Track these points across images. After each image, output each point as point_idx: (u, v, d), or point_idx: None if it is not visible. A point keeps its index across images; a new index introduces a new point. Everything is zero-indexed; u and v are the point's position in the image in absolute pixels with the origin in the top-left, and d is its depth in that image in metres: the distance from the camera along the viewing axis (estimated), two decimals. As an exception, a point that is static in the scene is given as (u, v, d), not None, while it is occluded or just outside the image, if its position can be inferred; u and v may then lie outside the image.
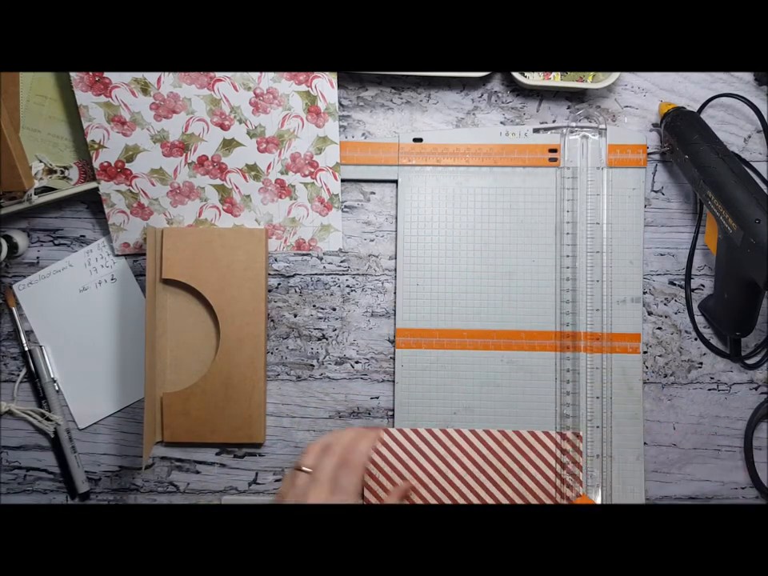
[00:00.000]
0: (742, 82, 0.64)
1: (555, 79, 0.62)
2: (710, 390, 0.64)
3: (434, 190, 0.63)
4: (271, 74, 0.59)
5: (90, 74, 0.58)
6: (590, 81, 0.62)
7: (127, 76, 0.58)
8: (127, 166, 0.60)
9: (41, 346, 0.63)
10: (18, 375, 0.63)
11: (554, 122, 0.64)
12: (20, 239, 0.62)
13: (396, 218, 0.63)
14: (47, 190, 0.60)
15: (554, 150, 0.62)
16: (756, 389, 0.64)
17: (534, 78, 0.61)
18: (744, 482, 0.64)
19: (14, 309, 0.63)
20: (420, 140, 0.63)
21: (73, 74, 0.58)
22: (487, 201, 0.63)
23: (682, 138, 0.58)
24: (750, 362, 0.64)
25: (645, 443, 0.63)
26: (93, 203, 0.63)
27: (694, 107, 0.63)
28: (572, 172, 0.62)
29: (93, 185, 0.60)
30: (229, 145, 0.60)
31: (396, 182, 0.63)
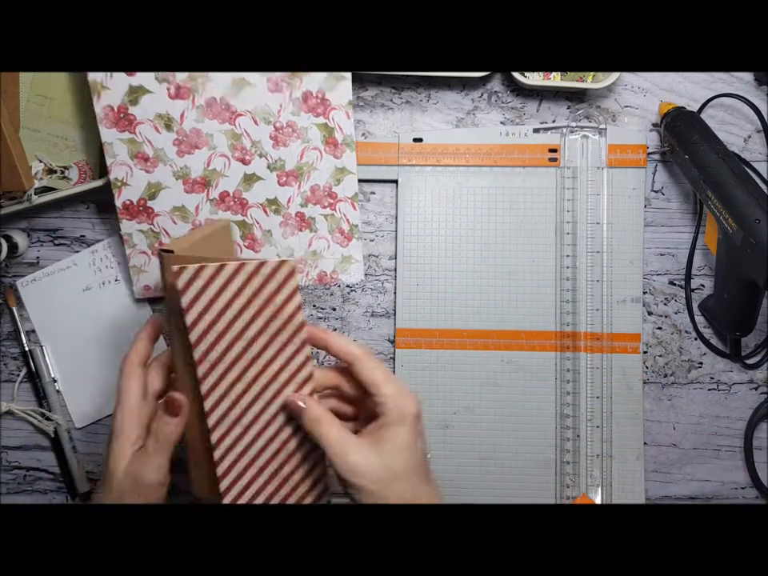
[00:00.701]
0: (741, 81, 0.64)
1: (555, 79, 0.62)
2: (710, 389, 0.64)
3: (434, 190, 0.63)
4: (290, 107, 0.58)
5: (115, 109, 0.57)
6: (590, 81, 0.62)
7: (151, 111, 0.57)
8: (149, 204, 0.59)
9: (41, 346, 0.63)
10: (18, 375, 0.63)
11: (553, 122, 0.64)
12: (20, 239, 0.62)
13: (396, 218, 0.63)
14: (47, 189, 0.60)
15: (554, 150, 0.62)
16: (756, 389, 0.64)
17: (534, 78, 0.61)
18: (744, 482, 0.64)
19: (14, 308, 0.63)
20: (420, 140, 0.63)
21: (98, 110, 0.57)
22: (487, 201, 0.63)
23: (682, 138, 0.58)
24: (749, 361, 0.64)
25: (645, 443, 0.63)
26: (93, 203, 0.63)
27: (694, 107, 0.63)
28: (572, 172, 0.62)
29: (93, 185, 0.60)
30: (250, 179, 0.60)
31: (396, 181, 0.63)
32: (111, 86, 0.56)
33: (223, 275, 0.43)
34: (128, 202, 0.59)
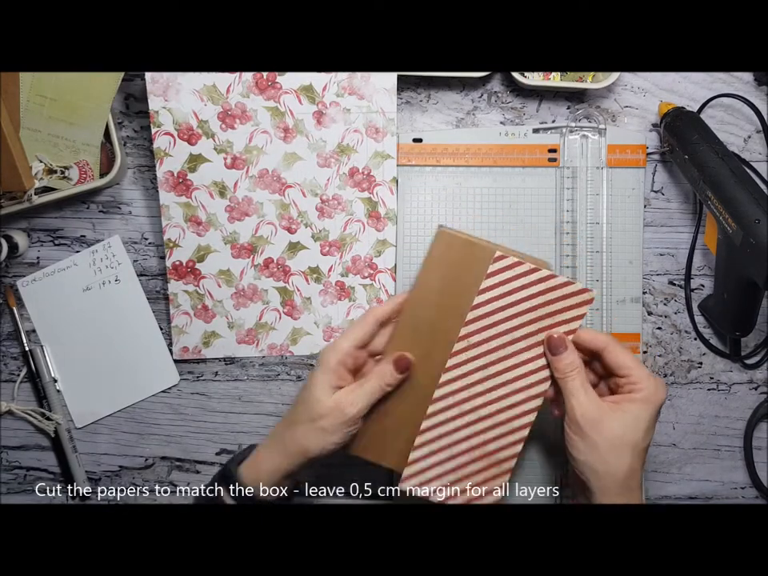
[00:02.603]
0: (741, 81, 0.64)
1: (555, 79, 0.62)
2: (709, 389, 0.64)
3: (433, 191, 0.63)
4: (337, 182, 0.61)
5: (175, 175, 0.60)
6: (590, 81, 0.62)
7: (208, 179, 0.60)
8: (197, 266, 0.61)
9: (41, 346, 0.63)
10: (18, 375, 0.63)
11: (553, 122, 0.64)
12: (20, 239, 0.62)
13: (396, 218, 0.63)
14: (47, 189, 0.60)
15: (553, 150, 0.62)
16: (756, 389, 0.64)
17: (533, 78, 0.61)
18: (744, 482, 0.64)
19: (14, 308, 0.62)
20: (420, 140, 0.63)
21: (159, 175, 0.59)
22: (487, 201, 0.63)
23: (682, 138, 0.58)
24: (749, 361, 0.64)
25: (645, 443, 0.63)
26: (93, 203, 0.63)
27: (694, 107, 0.63)
28: (572, 172, 0.62)
29: (93, 185, 0.60)
30: (294, 248, 0.61)
31: (396, 182, 0.63)
32: (174, 153, 0.59)
33: (530, 277, 0.48)
34: (177, 263, 0.61)
